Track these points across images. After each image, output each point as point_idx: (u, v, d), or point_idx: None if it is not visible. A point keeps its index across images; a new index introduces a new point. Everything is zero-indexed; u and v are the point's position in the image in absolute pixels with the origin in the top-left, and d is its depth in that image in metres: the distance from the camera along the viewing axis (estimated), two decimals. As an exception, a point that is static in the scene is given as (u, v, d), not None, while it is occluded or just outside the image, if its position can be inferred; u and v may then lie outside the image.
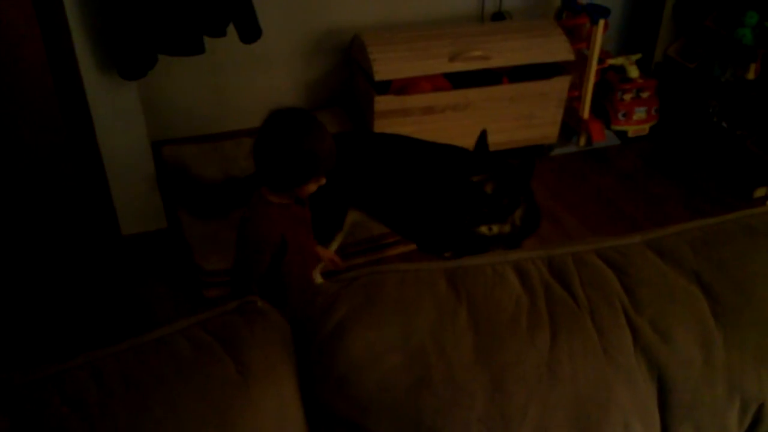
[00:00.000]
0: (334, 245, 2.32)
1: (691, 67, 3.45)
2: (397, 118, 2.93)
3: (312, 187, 1.69)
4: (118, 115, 2.49)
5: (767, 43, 3.09)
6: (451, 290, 1.15)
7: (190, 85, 3.03)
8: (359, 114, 3.14)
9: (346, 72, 3.24)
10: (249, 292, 1.73)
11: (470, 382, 1.07)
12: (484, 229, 2.10)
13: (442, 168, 2.22)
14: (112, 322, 2.28)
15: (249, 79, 3.12)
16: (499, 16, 3.37)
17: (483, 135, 2.13)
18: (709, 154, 3.37)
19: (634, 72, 3.40)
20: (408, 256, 2.63)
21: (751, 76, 3.19)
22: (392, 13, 3.21)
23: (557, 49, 3.06)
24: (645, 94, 3.44)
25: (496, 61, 2.99)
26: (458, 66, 2.95)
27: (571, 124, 3.40)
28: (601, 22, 3.11)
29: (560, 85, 3.13)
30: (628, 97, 3.42)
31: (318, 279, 2.30)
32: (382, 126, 2.93)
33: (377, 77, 2.84)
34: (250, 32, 2.56)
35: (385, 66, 2.86)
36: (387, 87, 2.95)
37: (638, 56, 3.42)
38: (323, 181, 1.69)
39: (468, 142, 2.37)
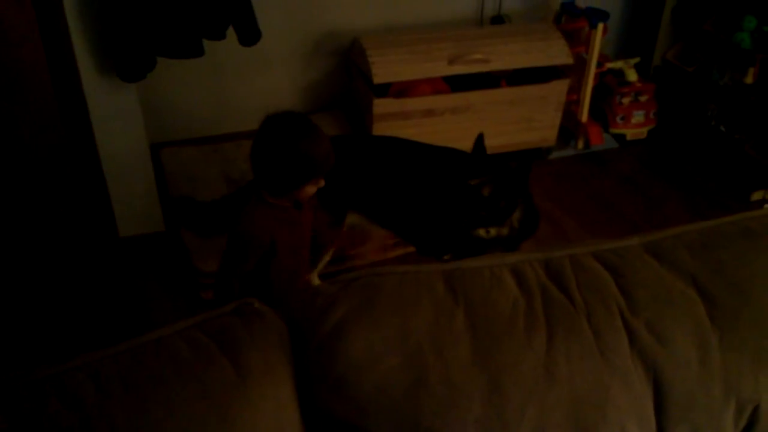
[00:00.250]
0: (329, 255, 2.33)
1: (689, 71, 3.45)
2: (396, 121, 2.93)
3: (311, 190, 1.70)
4: (117, 117, 2.49)
5: (766, 47, 3.10)
6: (448, 292, 1.15)
7: (190, 87, 3.04)
8: (358, 117, 3.14)
9: (346, 75, 3.25)
10: (230, 289, 1.74)
11: (468, 384, 1.08)
12: (481, 231, 2.11)
13: (440, 171, 2.22)
14: (109, 324, 2.28)
15: (248, 82, 3.12)
16: (498, 19, 3.37)
17: (480, 138, 2.14)
18: (707, 158, 3.37)
19: (632, 76, 3.40)
20: (406, 258, 2.63)
21: (749, 80, 3.19)
22: (392, 16, 3.22)
23: (556, 52, 3.07)
24: (643, 98, 3.44)
25: (496, 65, 2.99)
26: (457, 69, 2.95)
27: (569, 128, 3.41)
28: (600, 26, 3.11)
29: (559, 88, 3.13)
30: (626, 100, 3.43)
31: (315, 281, 2.31)
32: (381, 129, 2.93)
33: (376, 80, 2.85)
34: (250, 35, 2.56)
35: (385, 69, 2.86)
36: (386, 90, 2.95)
37: (637, 60, 3.43)
38: (322, 183, 1.70)
39: (467, 145, 2.37)
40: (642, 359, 1.15)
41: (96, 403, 0.96)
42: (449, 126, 3.02)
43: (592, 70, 3.21)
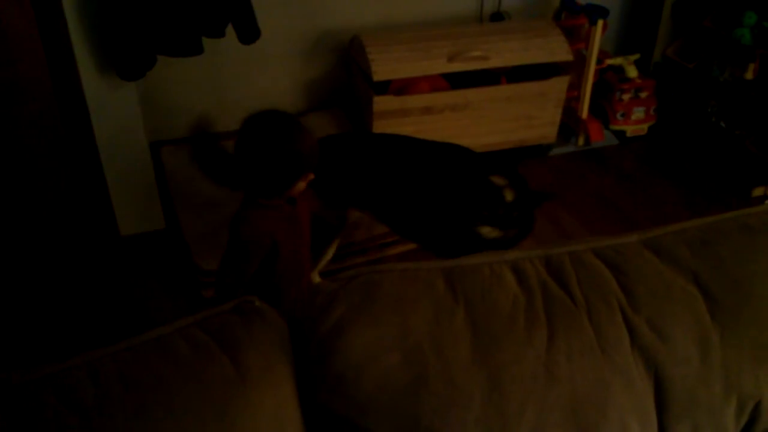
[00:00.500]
0: (331, 252, 2.32)
1: (689, 67, 3.45)
2: (396, 119, 2.93)
3: (302, 186, 1.67)
4: (117, 116, 2.49)
5: (766, 43, 3.10)
6: (448, 290, 1.15)
7: (189, 85, 3.03)
8: (358, 114, 3.14)
9: (345, 72, 3.24)
10: (235, 295, 1.72)
11: (468, 382, 1.07)
12: (486, 229, 2.10)
13: (455, 165, 2.21)
14: (109, 322, 2.29)
15: (248, 80, 3.12)
16: (497, 16, 3.37)
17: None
18: (707, 154, 3.37)
19: (632, 72, 3.40)
20: (407, 255, 2.63)
21: (749, 76, 3.19)
22: (391, 14, 3.21)
23: (556, 49, 3.06)
24: (644, 94, 3.44)
25: (495, 62, 2.99)
26: (457, 66, 2.95)
27: (569, 124, 3.40)
28: (600, 23, 3.11)
29: (559, 85, 3.13)
30: (626, 97, 3.42)
31: (316, 278, 2.31)
32: (380, 126, 2.93)
33: (376, 77, 2.84)
34: (249, 33, 2.56)
35: (384, 66, 2.86)
36: (386, 87, 2.95)
37: (637, 56, 3.42)
38: (312, 176, 1.67)
39: (467, 142, 2.37)
40: (643, 356, 1.15)
41: (95, 402, 0.96)
42: (449, 123, 3.02)
43: (592, 67, 3.20)
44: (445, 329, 1.10)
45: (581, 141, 3.41)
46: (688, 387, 1.16)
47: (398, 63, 2.89)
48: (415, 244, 2.50)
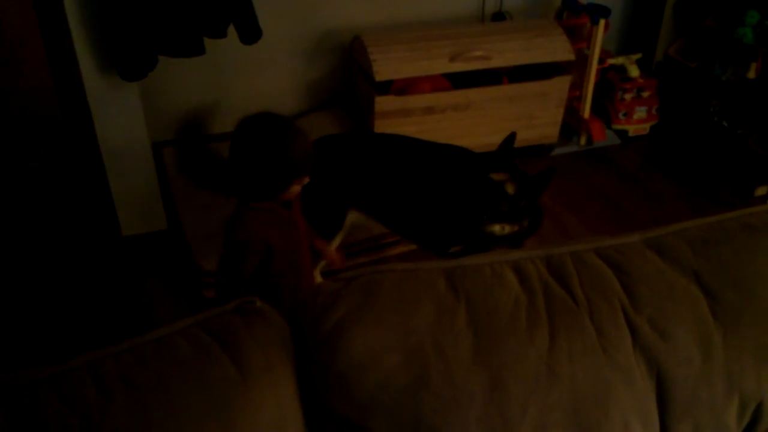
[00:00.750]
0: (335, 245, 2.32)
1: (691, 66, 3.44)
2: (398, 119, 2.93)
3: (296, 189, 1.66)
4: (119, 117, 2.49)
5: (768, 42, 3.09)
6: (449, 290, 1.15)
7: (191, 86, 3.04)
8: (360, 114, 3.14)
9: (347, 72, 3.24)
10: (234, 296, 1.71)
11: (469, 382, 1.07)
12: (497, 227, 2.10)
13: (456, 166, 2.21)
14: (111, 323, 2.29)
15: (249, 80, 3.12)
16: (499, 16, 3.37)
17: (511, 137, 2.13)
18: (710, 154, 3.36)
19: (634, 71, 3.39)
20: (408, 255, 2.63)
21: (751, 75, 3.19)
22: (393, 14, 3.21)
23: (558, 49, 3.06)
24: (646, 94, 3.44)
25: (497, 62, 2.99)
26: (459, 66, 2.95)
27: (571, 124, 3.40)
28: (602, 22, 3.10)
29: (560, 84, 3.13)
30: (628, 96, 3.42)
31: (318, 278, 2.30)
32: (382, 126, 2.93)
33: (378, 78, 2.84)
34: (251, 33, 2.56)
35: (386, 66, 2.86)
36: (387, 87, 2.95)
37: (639, 56, 3.42)
38: (306, 180, 1.66)
39: (468, 141, 2.37)
40: (644, 356, 1.15)
41: (97, 402, 0.96)
42: (451, 123, 3.02)
43: (594, 67, 3.20)
44: (446, 329, 1.10)
45: (583, 141, 3.40)
46: (690, 387, 1.16)
47: (400, 63, 2.89)
48: (415, 244, 2.50)
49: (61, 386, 0.98)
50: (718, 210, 1.39)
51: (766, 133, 3.16)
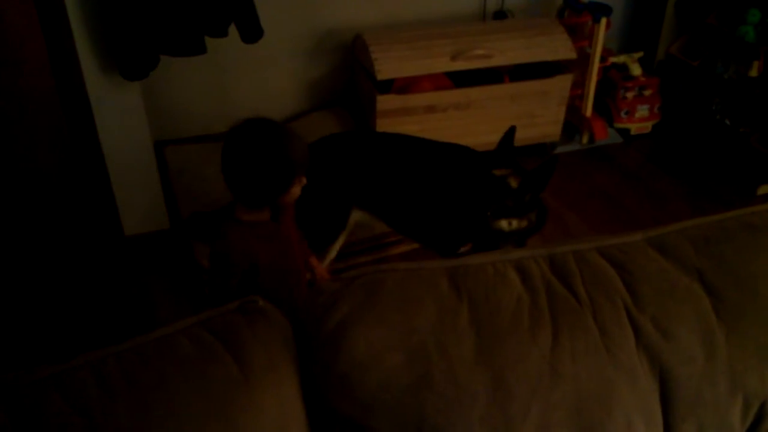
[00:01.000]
0: (334, 251, 2.31)
1: (693, 64, 3.44)
2: (400, 117, 2.93)
3: (296, 191, 1.65)
4: (121, 116, 2.50)
5: (770, 40, 3.09)
6: (452, 289, 1.15)
7: (193, 85, 3.04)
8: (361, 113, 3.14)
9: (348, 71, 3.24)
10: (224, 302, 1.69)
11: (472, 381, 1.07)
12: (504, 223, 2.10)
13: (459, 163, 2.21)
14: (114, 322, 2.29)
15: (251, 79, 3.12)
16: (500, 14, 3.36)
17: (511, 131, 2.13)
18: (712, 152, 3.36)
19: (636, 70, 3.39)
20: (410, 255, 2.63)
21: (753, 73, 3.18)
22: (394, 13, 3.21)
23: (559, 47, 3.06)
24: (648, 92, 3.43)
25: (498, 60, 2.99)
26: (460, 65, 2.94)
27: (573, 123, 3.40)
28: (603, 20, 3.10)
29: (562, 83, 3.12)
30: (630, 95, 3.42)
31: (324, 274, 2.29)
32: (384, 125, 2.93)
33: (379, 76, 2.84)
34: (252, 32, 2.56)
35: (387, 65, 2.86)
36: (389, 86, 2.95)
37: (640, 54, 3.42)
38: (305, 180, 1.65)
39: (470, 140, 2.37)
40: (648, 355, 1.15)
41: (99, 401, 0.96)
42: (452, 122, 3.01)
43: (596, 65, 3.20)
44: (449, 328, 1.10)
45: (585, 139, 3.40)
46: (694, 386, 1.16)
47: (401, 62, 2.89)
48: (421, 244, 2.50)
49: (64, 385, 0.98)
50: (720, 209, 1.39)
51: (769, 131, 3.15)
